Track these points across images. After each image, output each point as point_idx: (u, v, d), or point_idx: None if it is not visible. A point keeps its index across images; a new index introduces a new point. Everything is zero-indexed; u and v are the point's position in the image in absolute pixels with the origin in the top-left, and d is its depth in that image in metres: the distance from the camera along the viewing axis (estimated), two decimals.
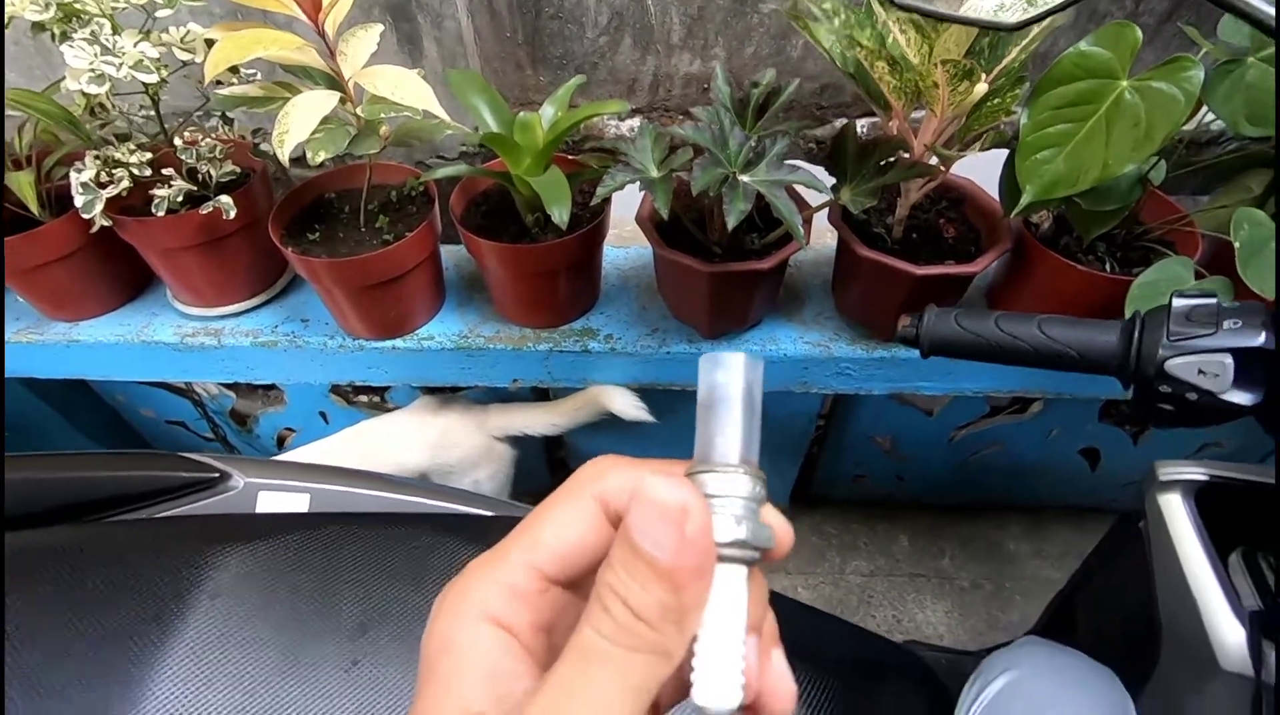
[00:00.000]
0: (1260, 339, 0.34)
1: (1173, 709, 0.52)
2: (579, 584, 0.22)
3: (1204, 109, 0.61)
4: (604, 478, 0.21)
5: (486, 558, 0.21)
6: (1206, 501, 0.52)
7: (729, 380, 0.21)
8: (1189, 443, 1.11)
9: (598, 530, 0.21)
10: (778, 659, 0.21)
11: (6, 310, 0.84)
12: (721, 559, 0.19)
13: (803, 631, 0.52)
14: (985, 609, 1.23)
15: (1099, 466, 1.19)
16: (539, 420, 0.94)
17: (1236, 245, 0.55)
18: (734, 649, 0.19)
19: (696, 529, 0.18)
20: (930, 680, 0.57)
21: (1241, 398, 0.34)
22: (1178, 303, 0.36)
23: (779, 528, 0.22)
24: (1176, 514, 0.52)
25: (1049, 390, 0.84)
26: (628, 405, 0.88)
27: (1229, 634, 0.47)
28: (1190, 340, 0.34)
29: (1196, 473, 0.53)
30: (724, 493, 0.20)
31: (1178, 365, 0.34)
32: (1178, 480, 0.53)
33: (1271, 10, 0.35)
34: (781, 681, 0.21)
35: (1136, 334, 0.37)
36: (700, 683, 0.19)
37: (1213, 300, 0.35)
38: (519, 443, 0.98)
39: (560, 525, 0.21)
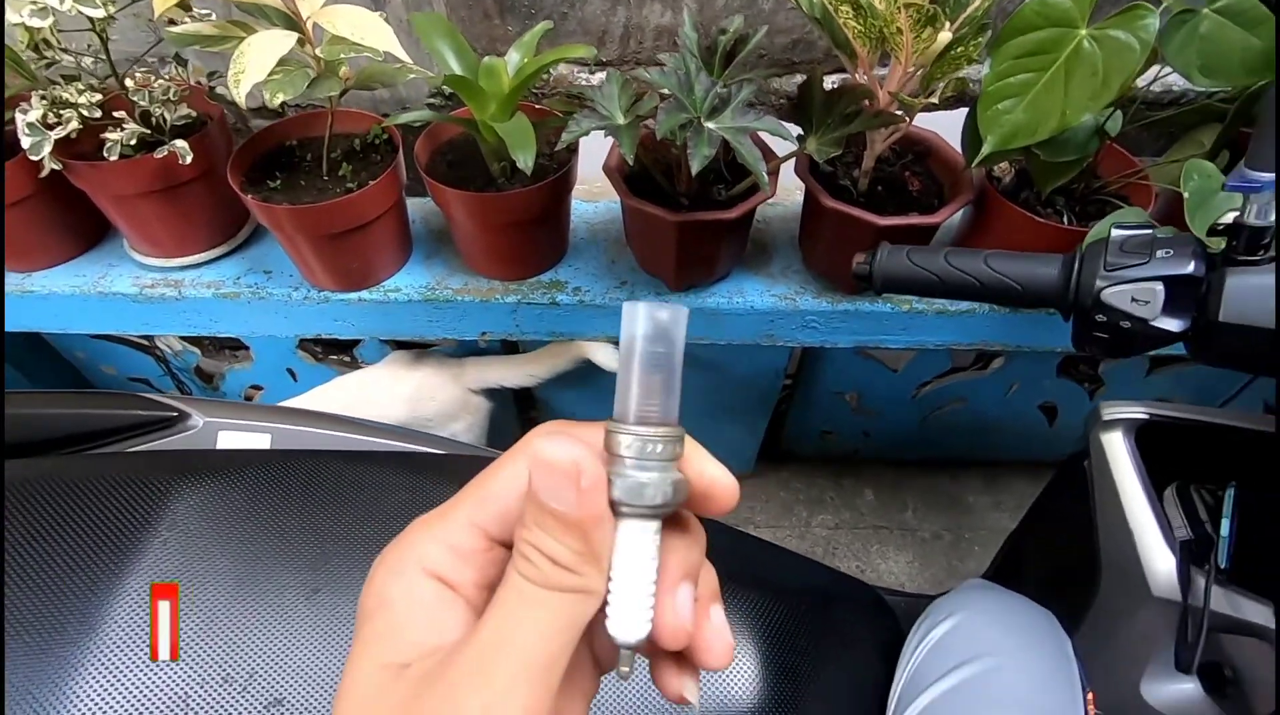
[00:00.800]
0: (1190, 267, 0.35)
1: (1107, 634, 0.55)
2: None
3: (1162, 67, 0.62)
4: (544, 439, 0.22)
5: (430, 517, 0.22)
6: (1146, 439, 0.55)
7: (642, 334, 0.20)
8: (1142, 396, 1.15)
9: None
10: (716, 614, 0.22)
11: None
12: (624, 513, 0.21)
13: (758, 562, 0.54)
14: (945, 558, 1.27)
15: (1056, 421, 1.22)
16: (516, 372, 0.94)
17: (1185, 195, 0.56)
18: (642, 589, 0.21)
19: (591, 483, 0.19)
20: (880, 607, 0.60)
21: (1170, 324, 0.35)
22: (1115, 233, 0.37)
23: (712, 480, 0.22)
24: (1117, 451, 0.54)
25: (1008, 343, 0.86)
26: (610, 358, 0.89)
27: (1160, 562, 0.50)
28: (1124, 269, 0.36)
29: (1137, 412, 0.55)
30: (630, 451, 0.20)
31: (1112, 294, 0.36)
32: (1120, 419, 0.55)
33: None
34: (718, 635, 0.22)
35: (1076, 266, 0.38)
36: (612, 617, 0.21)
37: (1148, 231, 0.37)
38: (493, 398, 0.98)
39: (503, 485, 0.22)
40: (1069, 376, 1.14)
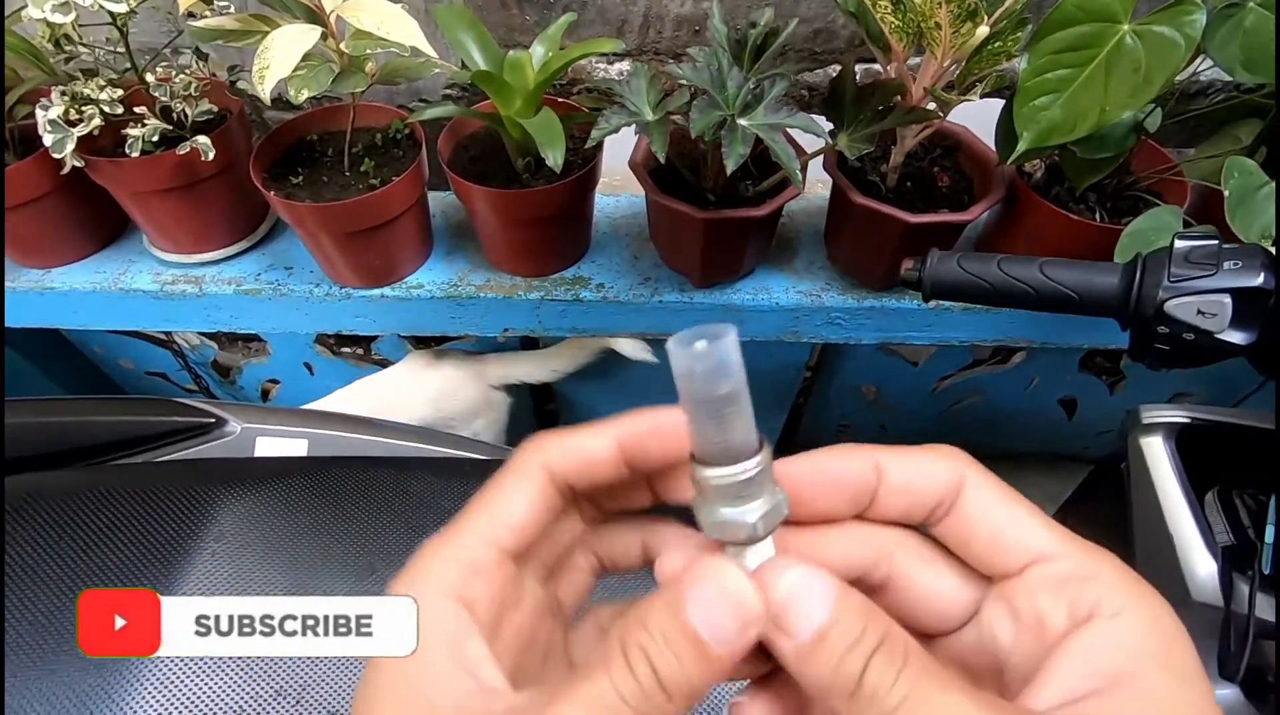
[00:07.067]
0: (1259, 279, 0.34)
1: None
2: (527, 556, 0.22)
3: (1195, 59, 0.60)
4: (543, 448, 0.22)
5: (441, 538, 0.21)
6: (1186, 443, 0.54)
7: (697, 377, 0.19)
8: (1163, 391, 1.15)
9: (547, 500, 0.21)
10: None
11: None
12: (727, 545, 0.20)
13: None
14: None
15: (1076, 415, 1.22)
16: (540, 368, 0.93)
17: (1226, 193, 0.56)
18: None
19: (757, 627, 0.18)
20: None
21: (1237, 337, 0.35)
22: (1179, 244, 0.37)
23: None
24: (1157, 455, 0.53)
25: (1034, 340, 0.85)
26: (633, 348, 0.88)
27: (1201, 567, 0.50)
28: (1190, 281, 0.35)
29: (1178, 415, 0.55)
30: (717, 492, 0.20)
31: (1177, 306, 0.35)
32: (1159, 422, 0.55)
33: None
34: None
35: (1138, 275, 0.38)
36: None
37: (1214, 242, 0.36)
38: (512, 393, 0.98)
39: (513, 499, 0.21)
40: (1089, 370, 1.13)
